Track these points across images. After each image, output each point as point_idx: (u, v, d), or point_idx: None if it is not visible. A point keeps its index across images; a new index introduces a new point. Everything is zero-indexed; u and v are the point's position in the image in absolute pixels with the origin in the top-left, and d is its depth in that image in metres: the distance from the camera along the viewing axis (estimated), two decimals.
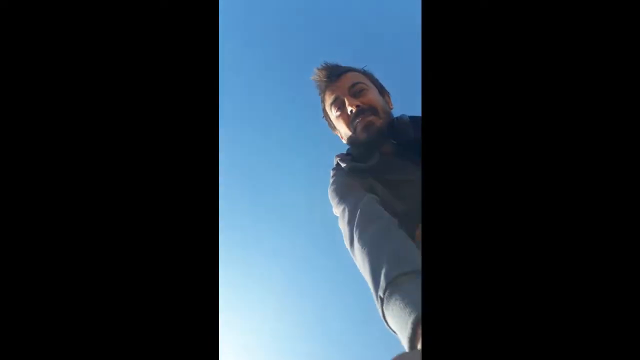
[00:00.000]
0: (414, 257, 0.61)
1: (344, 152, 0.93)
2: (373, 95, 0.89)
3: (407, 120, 0.88)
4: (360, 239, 0.69)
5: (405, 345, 0.56)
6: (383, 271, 0.58)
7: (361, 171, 0.82)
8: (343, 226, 0.75)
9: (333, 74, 0.90)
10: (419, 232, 0.73)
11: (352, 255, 0.75)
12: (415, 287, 0.57)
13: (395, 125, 0.88)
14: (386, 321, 0.60)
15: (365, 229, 0.69)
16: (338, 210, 0.78)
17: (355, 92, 0.87)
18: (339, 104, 0.88)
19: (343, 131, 0.90)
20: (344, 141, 0.92)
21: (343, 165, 0.85)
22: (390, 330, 0.60)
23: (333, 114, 0.89)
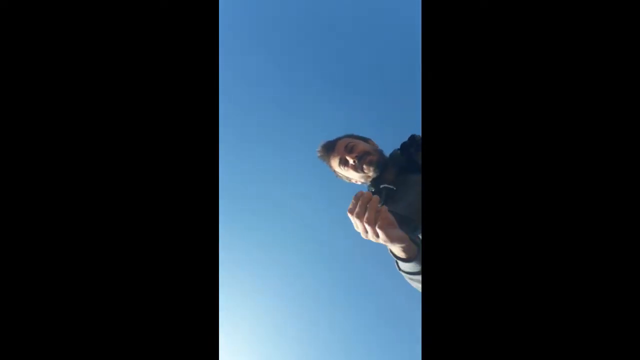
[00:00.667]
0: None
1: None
2: (362, 146, 1.19)
3: (398, 153, 1.17)
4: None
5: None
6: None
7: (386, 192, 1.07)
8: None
9: (330, 147, 1.23)
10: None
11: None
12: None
13: (392, 156, 1.18)
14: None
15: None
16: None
17: (350, 149, 1.18)
18: (344, 162, 1.18)
19: (356, 177, 1.19)
20: (360, 183, 1.22)
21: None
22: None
23: (343, 171, 1.20)
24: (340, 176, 1.24)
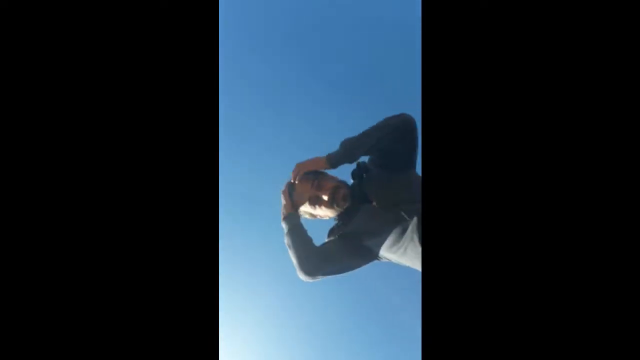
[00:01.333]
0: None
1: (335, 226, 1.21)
2: (325, 180, 1.19)
3: (355, 183, 1.21)
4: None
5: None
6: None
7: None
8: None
9: (291, 192, 1.20)
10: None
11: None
12: None
13: (354, 173, 1.21)
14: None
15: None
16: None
17: (318, 187, 1.17)
18: (314, 201, 1.17)
19: (327, 214, 1.21)
20: (327, 218, 1.23)
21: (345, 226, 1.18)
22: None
23: (314, 210, 1.20)
24: (302, 214, 1.22)
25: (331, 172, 1.20)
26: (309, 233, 1.14)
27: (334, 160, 1.12)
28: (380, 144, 1.11)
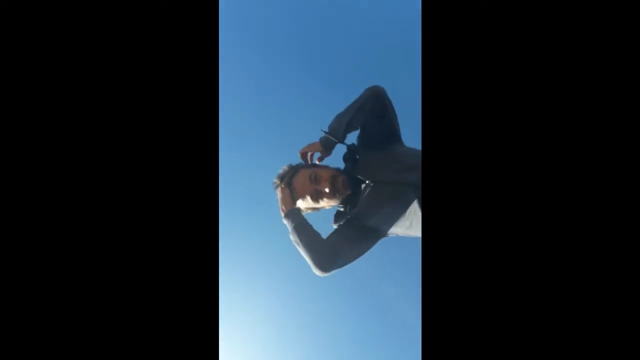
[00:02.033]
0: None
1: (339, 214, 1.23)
2: (322, 171, 1.18)
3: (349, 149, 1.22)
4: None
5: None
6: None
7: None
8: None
9: (290, 188, 1.20)
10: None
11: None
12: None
13: (346, 156, 1.22)
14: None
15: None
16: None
17: (316, 180, 1.16)
18: (317, 195, 1.17)
19: (330, 203, 1.20)
20: (330, 207, 1.23)
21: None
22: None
23: (316, 204, 1.19)
24: (310, 209, 1.23)
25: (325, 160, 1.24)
26: (313, 224, 1.14)
27: (326, 142, 1.17)
28: (358, 118, 1.17)
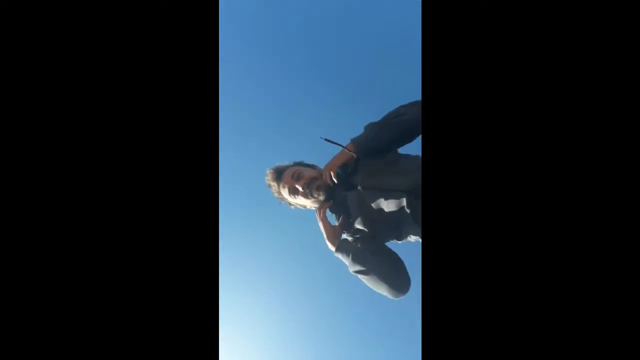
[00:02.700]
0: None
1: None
2: (307, 172, 1.26)
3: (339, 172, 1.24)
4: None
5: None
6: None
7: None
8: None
9: (278, 177, 1.29)
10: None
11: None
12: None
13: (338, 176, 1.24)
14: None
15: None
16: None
17: (297, 177, 1.25)
18: (293, 191, 1.25)
19: (308, 203, 1.28)
20: (314, 208, 1.30)
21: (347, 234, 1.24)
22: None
23: (294, 199, 1.28)
24: (292, 204, 1.31)
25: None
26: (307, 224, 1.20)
27: (362, 147, 1.14)
28: (395, 143, 1.14)
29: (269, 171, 1.31)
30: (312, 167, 1.31)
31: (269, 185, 1.31)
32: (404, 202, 1.05)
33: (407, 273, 1.11)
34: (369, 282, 1.11)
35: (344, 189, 1.19)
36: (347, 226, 1.21)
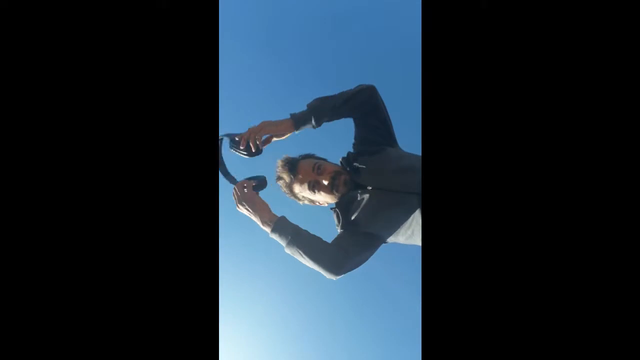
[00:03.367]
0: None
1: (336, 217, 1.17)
2: (329, 165, 1.16)
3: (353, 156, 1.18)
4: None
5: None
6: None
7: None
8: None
9: (292, 169, 1.17)
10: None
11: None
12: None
13: (350, 160, 1.17)
14: None
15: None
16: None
17: (320, 171, 1.13)
18: (314, 185, 1.14)
19: (326, 199, 1.17)
20: (326, 204, 1.20)
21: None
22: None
23: (311, 194, 1.16)
24: (303, 199, 1.21)
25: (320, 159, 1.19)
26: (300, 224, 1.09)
27: (300, 119, 1.09)
28: (345, 107, 1.11)
29: (280, 162, 1.19)
30: (326, 160, 1.21)
31: (279, 177, 1.19)
32: (416, 204, 1.02)
33: (342, 260, 1.05)
34: (304, 261, 1.06)
35: (351, 188, 1.13)
36: (345, 224, 1.14)
